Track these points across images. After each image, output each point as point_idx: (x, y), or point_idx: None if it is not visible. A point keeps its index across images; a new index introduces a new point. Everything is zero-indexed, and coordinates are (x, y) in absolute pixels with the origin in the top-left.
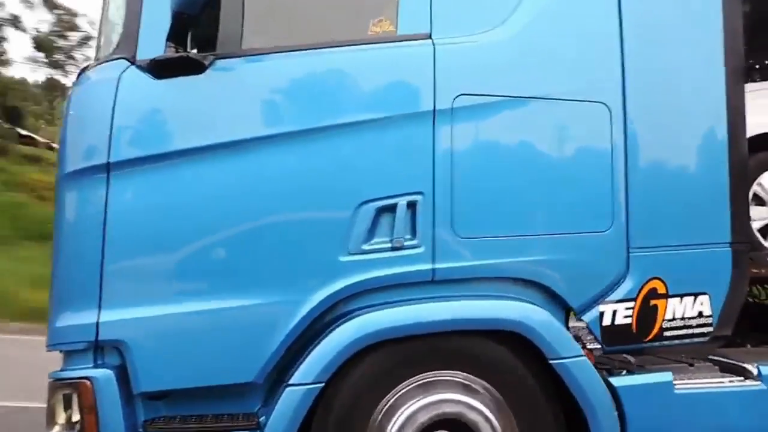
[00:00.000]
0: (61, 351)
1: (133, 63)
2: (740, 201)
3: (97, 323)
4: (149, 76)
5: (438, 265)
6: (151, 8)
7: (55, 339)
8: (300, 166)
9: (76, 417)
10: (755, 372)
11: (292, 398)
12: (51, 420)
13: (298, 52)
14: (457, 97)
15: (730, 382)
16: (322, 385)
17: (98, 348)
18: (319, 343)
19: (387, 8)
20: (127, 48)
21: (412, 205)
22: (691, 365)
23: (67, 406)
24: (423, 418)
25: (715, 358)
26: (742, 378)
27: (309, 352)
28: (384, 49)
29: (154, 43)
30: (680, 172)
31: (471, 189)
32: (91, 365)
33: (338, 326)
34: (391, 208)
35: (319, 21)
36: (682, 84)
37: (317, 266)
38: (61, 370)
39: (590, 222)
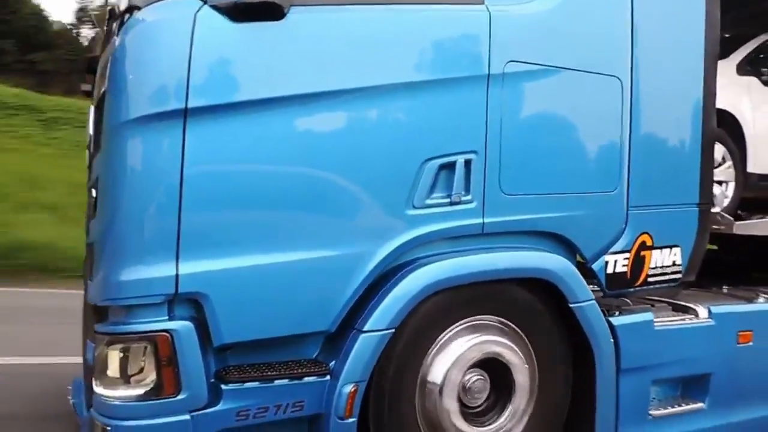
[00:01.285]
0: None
1: (204, 2)
2: (707, 168)
3: (177, 275)
4: (225, 17)
5: (487, 220)
6: None
7: (122, 293)
8: (370, 122)
9: (148, 371)
10: (706, 313)
11: (368, 344)
12: (110, 375)
13: (368, 6)
14: (507, 63)
15: (690, 319)
16: (393, 331)
17: (172, 300)
18: (387, 291)
19: None
20: None
21: (467, 163)
22: (653, 305)
23: (131, 361)
24: (469, 357)
25: (666, 300)
26: (693, 316)
27: (378, 301)
28: (447, 11)
29: None
30: (666, 141)
31: (515, 150)
32: (166, 318)
33: (404, 276)
34: (451, 165)
35: None
36: (672, 65)
37: (387, 218)
38: (123, 324)
39: (603, 183)
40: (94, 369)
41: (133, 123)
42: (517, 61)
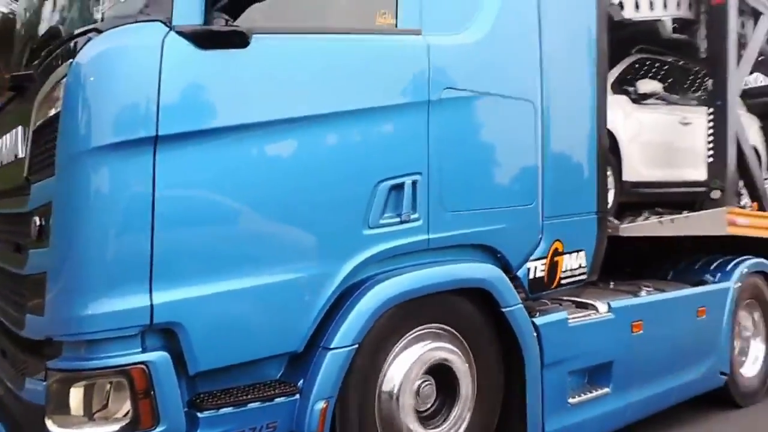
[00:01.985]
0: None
1: (170, 28)
2: (603, 181)
3: (151, 306)
4: (191, 44)
5: (431, 236)
6: None
7: (92, 326)
8: (326, 148)
9: (121, 406)
10: (606, 308)
11: (335, 360)
12: (74, 413)
13: (319, 36)
14: (444, 89)
15: (594, 315)
16: (357, 346)
17: (144, 331)
18: (350, 309)
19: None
20: (160, 10)
21: (414, 184)
22: (560, 304)
23: (99, 396)
24: (421, 364)
25: (568, 298)
26: (594, 311)
27: (341, 318)
28: (392, 41)
29: (189, 8)
30: (570, 158)
31: (453, 170)
32: (138, 350)
33: (363, 293)
34: (399, 186)
35: (334, 6)
36: (571, 90)
37: (346, 239)
38: (89, 359)
39: (523, 197)
40: (45, 407)
41: (102, 150)
42: (452, 88)
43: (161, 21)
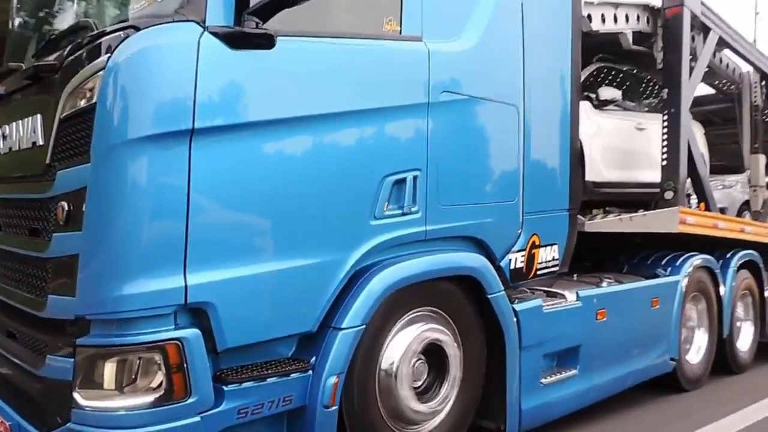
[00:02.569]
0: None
1: (204, 28)
2: (575, 179)
3: (186, 287)
4: (223, 43)
5: (428, 227)
6: None
7: (130, 305)
8: (340, 144)
9: (155, 378)
10: (574, 296)
11: (346, 339)
12: (106, 387)
13: (335, 39)
14: (442, 92)
15: (565, 302)
16: (365, 327)
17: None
18: (358, 292)
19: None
20: (194, 11)
21: (415, 179)
22: (533, 293)
23: (133, 370)
24: (417, 344)
25: (539, 288)
26: (563, 300)
27: (350, 301)
28: (399, 45)
29: (220, 11)
30: (546, 158)
31: (448, 167)
32: (172, 327)
33: (370, 278)
34: (402, 181)
35: (346, 13)
36: (549, 95)
37: (356, 229)
38: (123, 335)
39: (507, 194)
40: (72, 382)
41: (142, 141)
42: (449, 92)
43: (196, 21)
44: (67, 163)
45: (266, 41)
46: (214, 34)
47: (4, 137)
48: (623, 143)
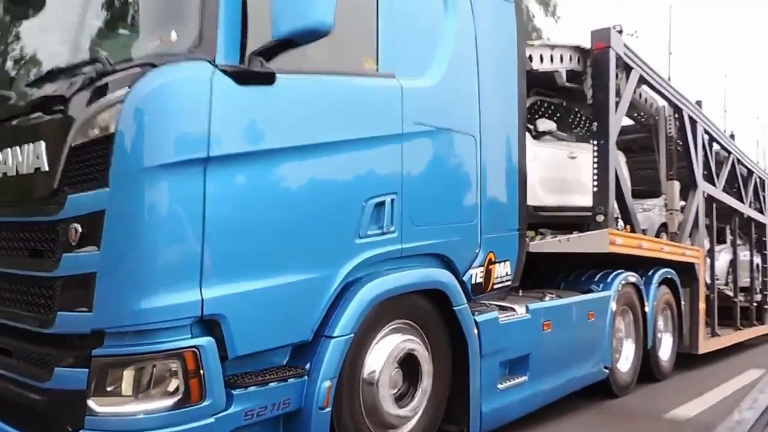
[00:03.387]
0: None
1: (215, 66)
2: (522, 203)
3: (201, 300)
4: (232, 80)
5: (404, 245)
6: (231, 17)
7: (152, 317)
8: (330, 171)
9: (172, 384)
10: (524, 309)
11: (337, 347)
12: (124, 393)
13: (321, 76)
14: (413, 123)
15: (517, 315)
16: (353, 335)
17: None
18: (346, 304)
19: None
20: (206, 51)
21: (392, 201)
22: (487, 306)
23: (151, 377)
24: (396, 353)
25: (491, 303)
26: (514, 312)
27: (340, 312)
28: (376, 82)
29: (229, 51)
30: (499, 183)
31: (418, 191)
32: (189, 336)
33: (356, 291)
34: (381, 204)
35: (331, 52)
36: (499, 127)
37: (344, 247)
38: (141, 344)
39: (467, 215)
40: (87, 390)
41: (162, 168)
42: (419, 123)
43: (207, 60)
44: (78, 188)
45: (268, 78)
46: (225, 71)
47: None
48: (558, 171)
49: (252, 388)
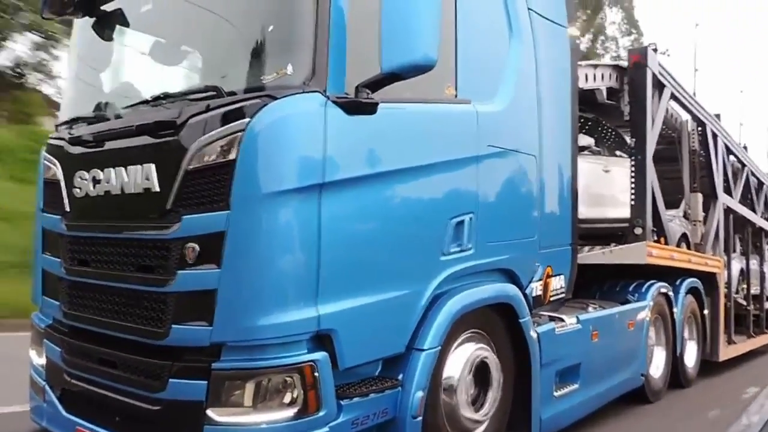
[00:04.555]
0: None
1: (327, 98)
2: (575, 218)
3: (318, 316)
4: (341, 110)
5: (478, 261)
6: (339, 52)
7: (271, 333)
8: (422, 192)
9: (292, 395)
10: (575, 320)
11: (427, 359)
12: (246, 404)
13: (410, 104)
14: (487, 146)
15: (570, 325)
16: (440, 348)
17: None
18: (433, 318)
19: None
20: (318, 84)
21: (470, 221)
22: (541, 317)
23: (273, 389)
24: (471, 361)
25: (544, 314)
26: (564, 323)
27: (428, 326)
28: (457, 108)
29: (337, 83)
30: (555, 200)
31: (490, 210)
32: (305, 351)
33: (441, 305)
34: (461, 223)
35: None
36: (555, 147)
37: (432, 263)
38: (263, 359)
39: (530, 231)
40: (206, 401)
41: (283, 193)
42: (491, 145)
43: (320, 92)
44: (193, 210)
45: (373, 108)
46: (335, 102)
47: (97, 181)
48: (594, 184)
49: (356, 399)
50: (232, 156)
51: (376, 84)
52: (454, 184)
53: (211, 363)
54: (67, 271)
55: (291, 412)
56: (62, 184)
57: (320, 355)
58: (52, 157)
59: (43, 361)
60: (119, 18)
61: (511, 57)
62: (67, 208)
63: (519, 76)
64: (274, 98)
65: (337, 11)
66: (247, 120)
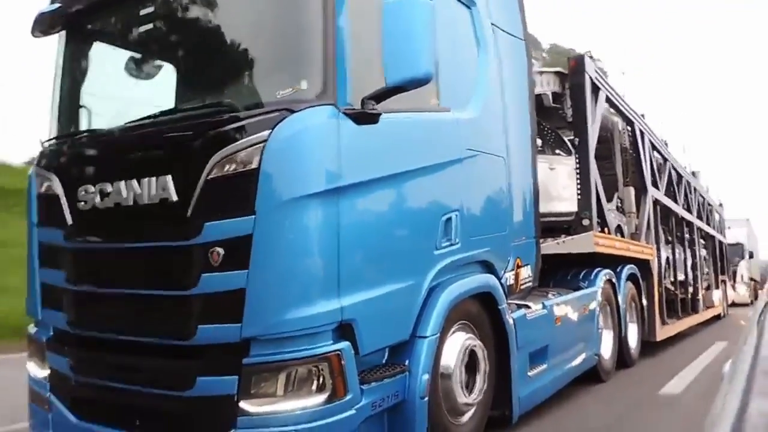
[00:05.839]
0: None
1: (338, 110)
2: (537, 214)
3: (341, 308)
4: (350, 121)
5: (463, 255)
6: (346, 69)
7: (301, 325)
8: (420, 192)
9: (322, 383)
10: (540, 306)
11: (430, 345)
12: (278, 393)
13: (406, 113)
14: (465, 149)
15: (536, 311)
16: (439, 335)
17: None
18: (432, 307)
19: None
20: (329, 97)
21: (457, 217)
22: (510, 305)
23: (305, 378)
24: (463, 349)
25: (512, 301)
26: (531, 309)
27: (428, 314)
28: (439, 116)
29: (346, 95)
30: (521, 197)
31: (471, 206)
32: (331, 341)
33: (437, 296)
34: (449, 219)
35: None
36: (519, 149)
37: (429, 257)
38: (292, 351)
39: (502, 226)
40: (238, 393)
41: (305, 198)
42: (469, 149)
43: (332, 105)
44: (215, 216)
45: (376, 118)
46: (346, 114)
47: (105, 194)
48: (543, 181)
49: (373, 384)
50: (254, 165)
51: (381, 96)
52: (443, 184)
53: (240, 358)
54: (74, 282)
55: (322, 397)
56: (62, 198)
57: (345, 345)
58: (47, 172)
59: (45, 373)
60: (113, 36)
61: (480, 68)
62: (69, 221)
63: (487, 85)
64: (292, 111)
65: (342, 33)
66: (268, 132)
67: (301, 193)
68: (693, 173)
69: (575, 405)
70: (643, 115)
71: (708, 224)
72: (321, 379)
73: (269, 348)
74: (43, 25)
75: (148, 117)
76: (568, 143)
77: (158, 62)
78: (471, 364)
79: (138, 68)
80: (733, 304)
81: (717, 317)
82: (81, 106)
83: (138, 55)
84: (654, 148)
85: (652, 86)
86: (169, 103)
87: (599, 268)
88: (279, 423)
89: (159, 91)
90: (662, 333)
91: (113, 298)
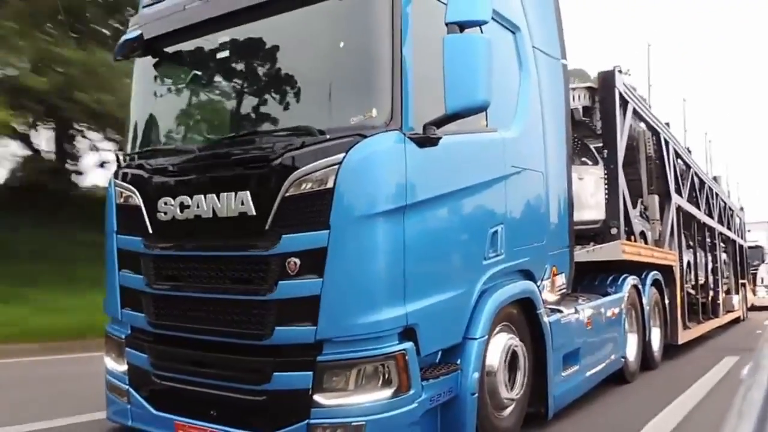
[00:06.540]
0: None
1: (404, 135)
2: (571, 224)
3: (407, 314)
4: (414, 145)
5: (507, 264)
6: (410, 98)
7: (371, 329)
8: (474, 207)
9: (388, 378)
10: (572, 310)
11: (479, 346)
12: (350, 388)
13: (460, 135)
14: (510, 166)
15: (569, 315)
16: (487, 337)
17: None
18: (480, 312)
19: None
20: (395, 124)
21: (502, 230)
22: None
23: (372, 374)
24: (506, 348)
25: (547, 306)
26: (564, 313)
27: (476, 318)
28: (490, 136)
29: (410, 121)
30: (557, 209)
31: (515, 220)
32: (396, 342)
33: (485, 301)
34: (496, 232)
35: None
36: (556, 164)
37: (479, 267)
38: (363, 350)
39: (540, 237)
40: (313, 387)
41: (377, 215)
42: (514, 166)
43: (398, 130)
44: (292, 229)
45: (437, 141)
46: (411, 138)
47: (185, 206)
48: (574, 192)
49: (431, 381)
50: (329, 185)
51: (441, 122)
52: (490, 199)
53: (314, 356)
54: (154, 285)
55: (389, 392)
56: (143, 209)
57: (409, 345)
58: (127, 185)
59: (124, 367)
60: (191, 61)
61: (522, 89)
62: (150, 230)
63: (529, 105)
64: (364, 136)
65: (407, 64)
66: (342, 155)
67: (372, 210)
68: (714, 178)
69: (602, 404)
70: (667, 124)
71: (729, 228)
72: (387, 375)
73: (341, 347)
74: (125, 49)
75: (230, 137)
76: (594, 151)
77: (230, 88)
78: (512, 362)
79: (213, 92)
80: (753, 308)
81: (737, 320)
82: (156, 125)
83: (216, 81)
84: (678, 156)
85: (678, 87)
86: (239, 128)
87: (626, 275)
88: (350, 414)
89: (225, 117)
90: (684, 336)
91: (192, 300)
